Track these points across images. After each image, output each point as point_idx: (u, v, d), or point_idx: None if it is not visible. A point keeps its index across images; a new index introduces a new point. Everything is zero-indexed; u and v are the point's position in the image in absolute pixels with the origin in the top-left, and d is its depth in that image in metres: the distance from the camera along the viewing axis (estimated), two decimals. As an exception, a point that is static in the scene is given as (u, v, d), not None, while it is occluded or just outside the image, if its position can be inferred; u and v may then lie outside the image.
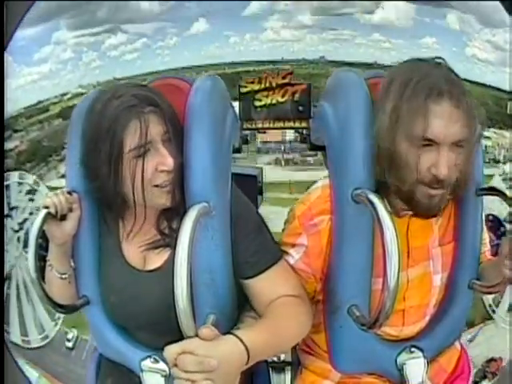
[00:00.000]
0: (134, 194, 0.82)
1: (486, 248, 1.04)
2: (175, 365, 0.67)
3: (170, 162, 0.81)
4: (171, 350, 0.68)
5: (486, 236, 1.05)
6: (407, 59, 0.89)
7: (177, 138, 0.84)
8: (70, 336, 6.02)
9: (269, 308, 0.86)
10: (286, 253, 0.94)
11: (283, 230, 0.99)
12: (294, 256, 0.94)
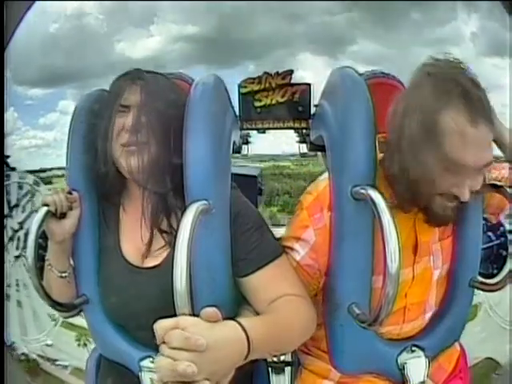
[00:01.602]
0: (111, 152, 0.86)
1: None
2: (163, 342, 0.64)
3: (129, 120, 0.85)
4: (163, 324, 0.65)
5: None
6: (437, 59, 0.83)
7: (158, 114, 0.86)
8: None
9: (270, 307, 0.85)
10: (291, 248, 0.93)
11: (288, 224, 0.98)
12: (300, 252, 0.92)
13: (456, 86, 0.77)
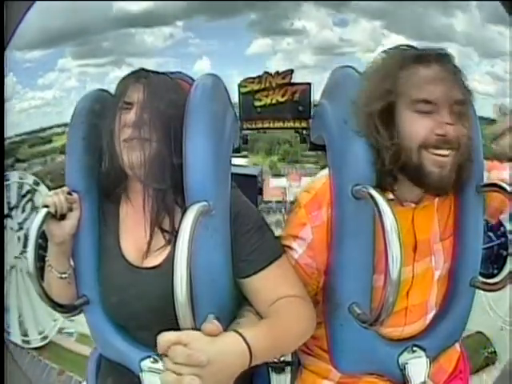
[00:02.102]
0: (114, 149, 0.87)
1: None
2: (166, 354, 0.66)
3: (132, 116, 0.86)
4: (165, 338, 0.67)
5: None
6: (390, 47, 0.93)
7: (160, 112, 0.87)
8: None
9: (271, 309, 0.85)
10: (289, 247, 0.93)
11: (286, 222, 0.98)
12: (298, 250, 0.92)
13: (404, 52, 0.88)
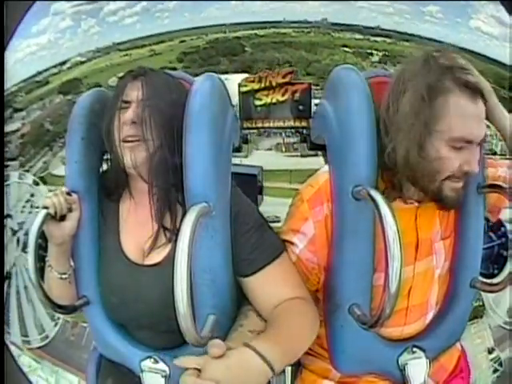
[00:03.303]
0: (113, 148, 0.87)
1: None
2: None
3: (129, 114, 0.85)
4: (182, 362, 0.70)
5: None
6: (420, 54, 0.86)
7: (160, 110, 0.86)
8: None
9: (274, 315, 0.84)
10: (291, 242, 0.93)
11: (287, 215, 0.97)
12: (299, 245, 0.92)
13: (451, 72, 0.81)
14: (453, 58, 0.84)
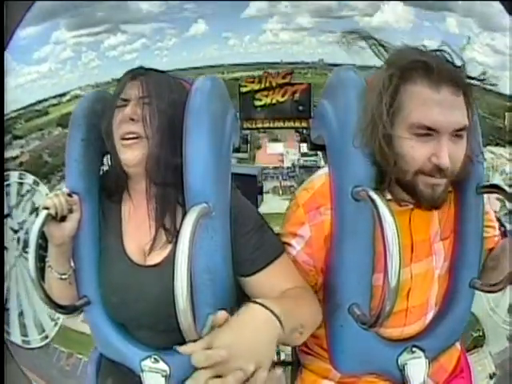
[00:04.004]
0: (113, 147, 0.87)
1: (495, 232, 1.02)
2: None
3: (127, 111, 0.85)
4: (191, 347, 0.66)
5: (492, 218, 1.03)
6: (403, 47, 0.86)
7: (159, 109, 0.86)
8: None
9: (281, 296, 0.84)
10: (288, 244, 0.93)
11: (284, 219, 0.98)
12: (296, 247, 0.93)
13: (412, 61, 0.80)
14: (420, 51, 0.83)
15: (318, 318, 0.88)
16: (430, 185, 0.82)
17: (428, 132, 0.79)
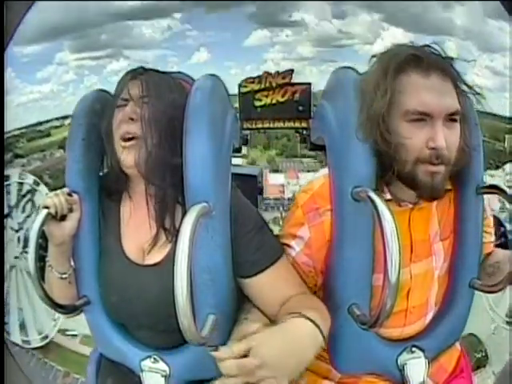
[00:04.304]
0: (112, 147, 0.88)
1: (492, 238, 1.03)
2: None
3: (127, 110, 0.86)
4: (227, 353, 0.66)
5: (491, 224, 1.05)
6: (394, 45, 0.90)
7: (159, 109, 0.87)
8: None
9: (289, 306, 0.83)
10: (288, 245, 0.93)
11: (284, 220, 0.98)
12: (296, 248, 0.93)
13: (403, 54, 0.84)
14: (410, 46, 0.87)
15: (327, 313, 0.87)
16: (429, 173, 0.83)
17: (422, 117, 0.82)
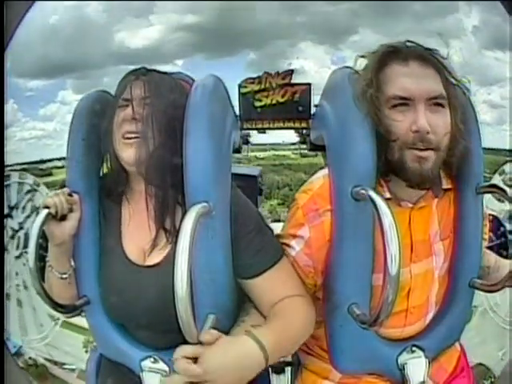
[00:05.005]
0: (114, 147, 0.88)
1: (485, 243, 1.03)
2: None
3: (130, 110, 0.86)
4: (180, 351, 0.73)
5: (487, 230, 1.05)
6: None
7: (161, 109, 0.87)
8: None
9: (273, 310, 0.86)
10: (288, 245, 0.94)
11: (285, 221, 0.98)
12: (295, 248, 0.93)
13: (384, 49, 0.89)
14: (392, 43, 0.91)
15: (310, 328, 0.91)
16: (416, 158, 0.84)
17: (403, 102, 0.85)
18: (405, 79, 0.85)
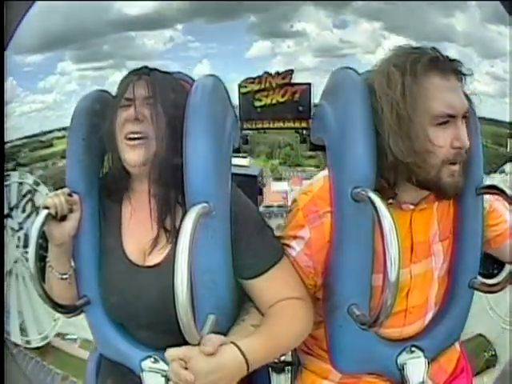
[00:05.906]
0: (115, 147, 0.88)
1: (506, 225, 1.00)
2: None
3: (131, 112, 0.86)
4: (169, 353, 0.75)
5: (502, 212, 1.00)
6: (397, 47, 0.91)
7: (163, 109, 0.87)
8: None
9: (269, 312, 0.87)
10: (288, 246, 0.94)
11: (285, 222, 0.99)
12: (296, 248, 0.93)
13: (418, 56, 0.85)
14: (419, 48, 0.88)
15: (305, 332, 0.91)
16: (451, 173, 0.85)
17: (448, 119, 0.84)
18: (451, 96, 0.83)
